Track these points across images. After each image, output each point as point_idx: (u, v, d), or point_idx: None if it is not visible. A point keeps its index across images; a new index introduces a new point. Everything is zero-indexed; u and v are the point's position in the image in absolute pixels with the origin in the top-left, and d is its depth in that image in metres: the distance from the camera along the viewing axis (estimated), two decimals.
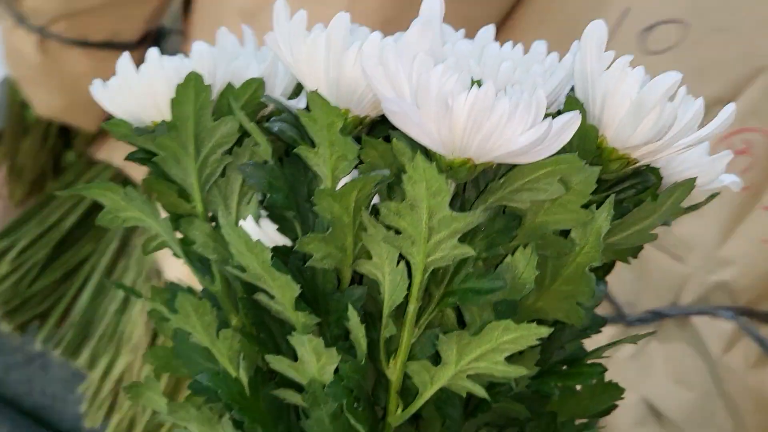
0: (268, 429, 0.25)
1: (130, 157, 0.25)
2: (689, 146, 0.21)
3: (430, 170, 0.19)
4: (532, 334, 0.20)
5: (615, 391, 0.25)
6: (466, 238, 0.21)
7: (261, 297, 0.23)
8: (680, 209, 0.22)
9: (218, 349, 0.24)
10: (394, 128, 0.20)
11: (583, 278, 0.22)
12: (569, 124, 0.19)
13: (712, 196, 0.24)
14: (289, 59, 0.21)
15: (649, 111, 0.20)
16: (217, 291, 0.25)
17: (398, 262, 0.21)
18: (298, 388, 0.23)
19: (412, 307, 0.22)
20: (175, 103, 0.24)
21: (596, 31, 0.20)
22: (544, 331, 0.20)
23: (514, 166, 0.20)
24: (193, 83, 0.23)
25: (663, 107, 0.20)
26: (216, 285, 0.24)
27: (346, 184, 0.21)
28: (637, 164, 0.22)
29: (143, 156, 0.26)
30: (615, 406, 0.25)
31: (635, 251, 0.23)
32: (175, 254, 0.26)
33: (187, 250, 0.24)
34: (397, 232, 0.20)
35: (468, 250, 0.21)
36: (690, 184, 0.22)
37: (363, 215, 0.21)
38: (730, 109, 0.22)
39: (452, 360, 0.22)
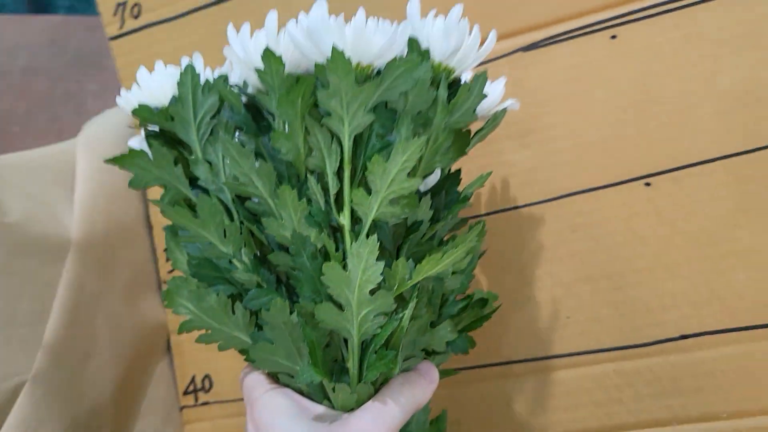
0: (266, 294, 0.40)
1: (149, 135, 0.44)
2: (477, 58, 0.40)
3: (341, 57, 0.35)
4: (417, 148, 0.37)
5: None
6: (370, 112, 0.37)
7: (248, 203, 0.40)
8: (484, 95, 0.40)
9: (228, 239, 0.41)
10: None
11: (441, 132, 0.40)
12: (402, 32, 0.37)
13: (503, 111, 0.44)
14: (242, 55, 0.41)
15: (450, 31, 0.38)
16: (198, 203, 0.41)
17: (332, 140, 0.37)
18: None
19: (347, 167, 0.38)
20: (180, 84, 0.42)
21: (414, 4, 0.39)
22: (422, 143, 0.37)
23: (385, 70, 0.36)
24: (190, 70, 0.42)
25: (457, 26, 0.38)
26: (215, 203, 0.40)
27: (291, 89, 0.38)
28: (454, 73, 0.39)
29: (155, 138, 0.43)
30: None
31: (466, 136, 0.41)
32: (181, 197, 0.43)
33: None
34: (327, 115, 0.35)
35: (371, 117, 0.37)
36: (484, 75, 0.40)
37: (310, 123, 0.38)
38: (493, 35, 0.42)
39: (379, 185, 0.37)
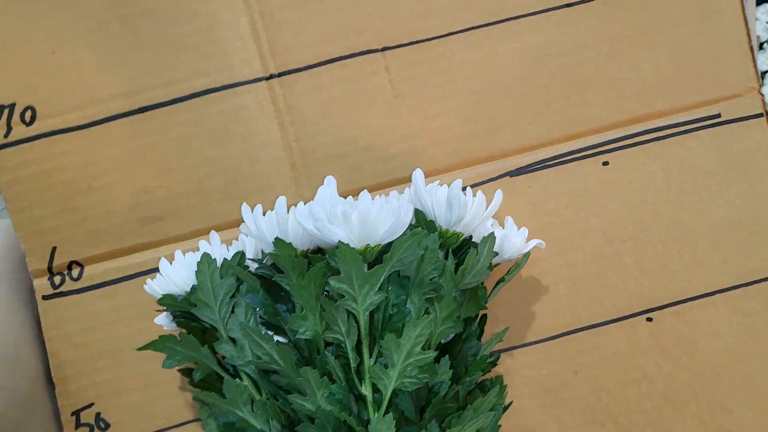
0: None
1: (178, 321, 0.48)
2: (483, 219, 0.46)
3: (348, 249, 0.40)
4: (428, 323, 0.41)
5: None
6: (381, 289, 0.42)
7: (273, 377, 0.44)
8: (495, 253, 0.45)
9: (257, 413, 0.44)
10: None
11: (452, 301, 0.43)
12: (406, 211, 0.42)
13: (526, 256, 0.48)
14: (256, 233, 0.46)
15: (452, 202, 0.43)
16: (225, 384, 0.45)
17: (347, 317, 0.42)
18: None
19: (365, 341, 0.42)
20: (198, 273, 0.46)
21: (419, 176, 0.46)
22: (431, 319, 0.42)
23: (392, 244, 0.42)
24: (206, 259, 0.46)
25: (459, 199, 0.44)
26: (225, 380, 0.45)
27: (306, 275, 0.43)
28: (463, 236, 0.45)
29: (183, 319, 0.48)
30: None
31: (483, 291, 0.46)
32: (208, 372, 0.47)
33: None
34: (341, 297, 0.42)
35: (383, 294, 0.41)
36: (492, 236, 0.45)
37: (325, 302, 0.42)
38: (499, 196, 0.48)
39: (395, 359, 0.41)
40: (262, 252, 0.48)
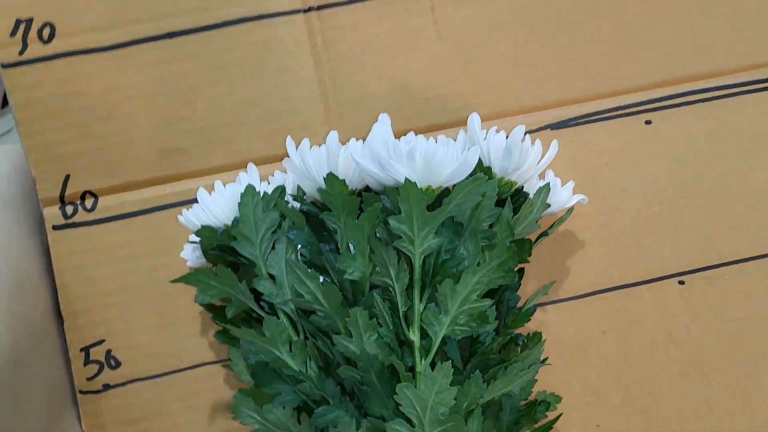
0: (333, 411, 0.43)
1: (211, 255, 0.47)
2: (538, 170, 0.46)
3: (413, 188, 0.40)
4: (488, 271, 0.41)
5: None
6: (438, 234, 0.42)
7: (312, 317, 0.44)
8: (547, 205, 0.46)
9: (294, 353, 0.44)
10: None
11: (506, 251, 0.42)
12: (473, 155, 0.41)
13: (570, 210, 0.49)
14: (302, 169, 0.45)
15: (512, 149, 0.44)
16: (265, 322, 0.44)
17: (398, 261, 0.42)
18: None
19: (417, 286, 0.42)
20: (241, 205, 0.45)
21: (476, 120, 0.46)
22: (503, 258, 0.42)
23: (452, 189, 0.42)
24: (250, 191, 0.45)
25: (519, 147, 0.44)
26: (265, 318, 0.44)
27: (362, 215, 0.42)
28: (516, 185, 0.45)
29: (217, 253, 0.47)
30: None
31: (528, 244, 0.46)
32: (241, 310, 0.46)
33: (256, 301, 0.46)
34: (398, 238, 0.42)
35: (442, 239, 0.41)
36: (547, 187, 0.46)
37: (374, 243, 0.42)
38: (555, 146, 0.47)
39: (450, 305, 0.41)
40: (299, 189, 0.46)
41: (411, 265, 0.43)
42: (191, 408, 0.54)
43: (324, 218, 0.45)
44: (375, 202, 0.44)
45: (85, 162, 0.54)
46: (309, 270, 0.44)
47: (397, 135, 0.50)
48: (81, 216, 0.55)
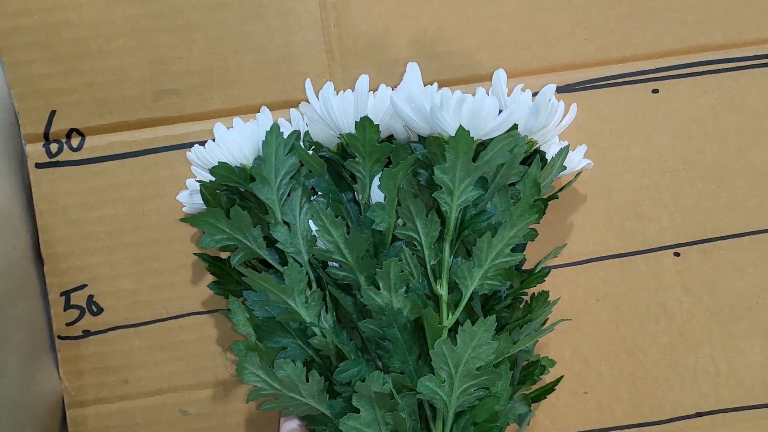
0: (355, 365, 0.42)
1: (211, 200, 0.45)
2: (558, 130, 0.46)
3: (466, 137, 0.39)
4: (525, 222, 0.41)
5: None
6: (475, 187, 0.42)
7: (329, 269, 0.44)
8: (564, 167, 0.46)
9: (310, 305, 0.42)
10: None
11: (532, 207, 0.42)
12: (518, 109, 0.41)
13: (578, 174, 0.50)
14: (324, 115, 0.44)
15: (541, 108, 0.43)
16: (287, 270, 0.43)
17: (427, 214, 0.42)
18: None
19: (448, 238, 0.42)
20: (265, 144, 0.43)
21: (501, 77, 0.46)
22: (534, 217, 0.41)
23: (489, 142, 0.41)
24: (275, 130, 0.43)
25: (548, 106, 0.44)
26: (288, 266, 0.43)
27: (396, 166, 0.41)
28: (536, 145, 0.45)
29: (228, 194, 0.45)
30: None
31: (544, 204, 0.45)
32: (254, 258, 0.45)
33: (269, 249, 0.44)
34: (435, 189, 0.41)
35: (479, 192, 0.41)
36: (567, 148, 0.45)
37: (402, 194, 0.42)
38: (574, 108, 0.48)
39: (484, 259, 0.41)
40: (306, 135, 0.48)
41: (441, 217, 0.43)
42: (175, 358, 0.53)
43: (348, 166, 0.44)
44: (403, 152, 0.43)
45: (72, 98, 0.51)
46: (337, 218, 0.43)
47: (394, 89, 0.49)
48: (66, 155, 0.53)
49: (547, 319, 0.50)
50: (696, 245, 0.54)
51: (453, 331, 0.43)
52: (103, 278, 0.53)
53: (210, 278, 0.53)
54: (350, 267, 0.43)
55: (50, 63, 0.51)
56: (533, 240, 0.45)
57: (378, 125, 0.43)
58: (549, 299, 0.48)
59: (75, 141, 0.53)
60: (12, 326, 0.50)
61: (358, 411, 0.42)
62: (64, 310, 0.55)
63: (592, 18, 0.53)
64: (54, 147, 0.54)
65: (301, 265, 0.45)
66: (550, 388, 0.50)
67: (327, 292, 0.45)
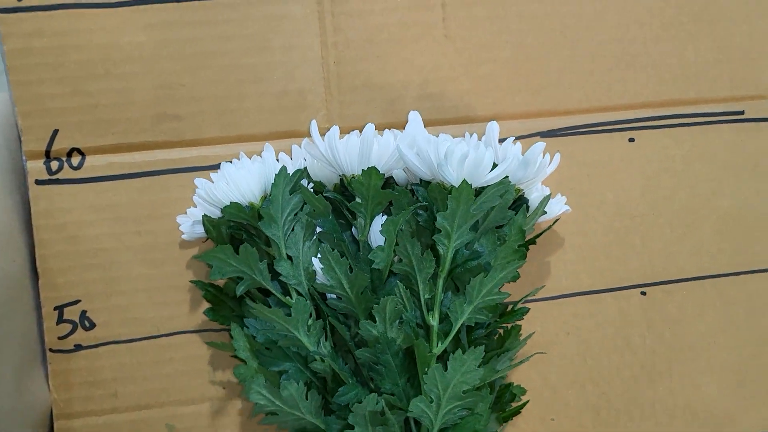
0: (353, 389, 0.46)
1: (214, 233, 0.49)
2: (540, 179, 0.50)
3: (468, 189, 0.44)
4: (515, 266, 0.46)
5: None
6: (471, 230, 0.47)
7: (330, 301, 0.48)
8: (544, 212, 0.50)
9: (311, 333, 0.46)
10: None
11: (516, 252, 0.47)
12: (515, 163, 0.47)
13: (556, 220, 0.54)
14: (329, 156, 0.48)
15: (529, 162, 0.47)
16: (294, 304, 0.47)
17: (423, 252, 0.46)
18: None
19: (442, 275, 0.46)
20: (274, 186, 0.47)
21: (494, 129, 0.50)
22: (520, 263, 0.46)
23: (482, 189, 0.47)
24: (283, 173, 0.47)
25: (537, 161, 0.48)
26: (294, 299, 0.47)
27: (395, 211, 0.46)
28: (521, 192, 0.50)
29: (239, 232, 0.49)
30: None
31: (526, 247, 0.49)
32: (258, 289, 0.49)
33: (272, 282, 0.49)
34: (433, 233, 0.46)
35: (473, 235, 0.46)
36: (548, 198, 0.50)
37: (400, 235, 0.46)
38: (557, 158, 0.52)
39: (475, 296, 0.46)
40: (304, 171, 0.49)
41: (436, 255, 0.47)
42: (164, 375, 0.56)
43: (352, 207, 0.48)
44: (404, 198, 0.48)
45: (75, 118, 0.54)
46: (341, 257, 0.47)
47: (393, 128, 0.53)
48: (66, 173, 0.55)
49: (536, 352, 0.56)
50: (661, 285, 0.60)
51: (440, 358, 0.48)
52: (97, 294, 0.55)
53: (203, 301, 0.55)
54: (350, 300, 0.48)
55: (56, 83, 0.54)
56: (515, 281, 0.49)
57: (383, 174, 0.47)
58: (520, 333, 0.52)
59: (75, 160, 0.56)
60: (7, 337, 0.51)
61: (352, 428, 0.47)
62: (57, 324, 0.57)
63: (577, 69, 0.57)
64: (54, 165, 0.56)
65: (303, 296, 0.49)
66: (517, 411, 0.54)
67: (327, 322, 0.49)
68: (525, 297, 0.55)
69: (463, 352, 0.46)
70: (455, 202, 0.45)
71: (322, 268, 0.48)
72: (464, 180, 0.45)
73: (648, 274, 0.58)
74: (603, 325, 0.58)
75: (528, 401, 0.56)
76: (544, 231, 0.55)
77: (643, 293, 0.58)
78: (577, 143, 0.57)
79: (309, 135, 0.54)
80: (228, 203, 0.49)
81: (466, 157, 0.45)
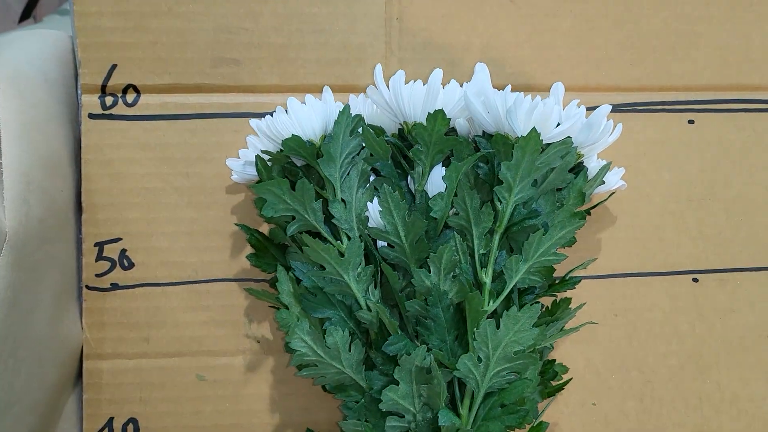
0: (402, 340, 0.46)
1: (266, 172, 0.49)
2: (603, 146, 0.49)
3: (537, 137, 0.43)
4: (574, 226, 0.46)
5: None
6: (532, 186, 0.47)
7: (381, 249, 0.47)
8: (603, 182, 0.50)
9: (361, 279, 0.46)
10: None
11: (575, 215, 0.46)
12: (580, 121, 0.47)
13: (611, 194, 0.54)
14: (392, 102, 0.48)
15: (593, 125, 0.47)
16: (348, 245, 0.47)
17: (481, 206, 0.46)
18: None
19: (499, 231, 0.45)
20: (337, 123, 0.46)
21: (560, 90, 0.50)
22: (580, 223, 0.46)
23: (545, 147, 0.46)
24: (347, 111, 0.47)
25: (601, 125, 0.47)
26: (344, 244, 0.47)
27: (456, 160, 0.46)
28: (581, 158, 0.49)
29: (295, 171, 0.49)
30: None
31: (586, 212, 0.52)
32: (306, 229, 0.48)
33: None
34: (491, 189, 0.46)
35: (534, 192, 0.45)
36: (607, 166, 0.49)
37: (459, 186, 0.45)
38: (620, 128, 0.51)
39: (531, 254, 0.45)
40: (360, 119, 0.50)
41: (495, 211, 0.48)
42: (199, 323, 0.56)
43: (413, 153, 0.48)
44: (465, 148, 0.48)
45: (134, 55, 0.55)
46: (402, 202, 0.47)
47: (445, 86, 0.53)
48: (120, 109, 0.56)
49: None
50: (714, 273, 0.60)
51: (490, 318, 0.48)
52: (138, 234, 0.56)
53: (245, 248, 0.55)
54: (403, 249, 0.48)
55: (119, 17, 0.56)
56: (570, 246, 0.49)
57: (449, 119, 0.48)
58: (569, 305, 0.52)
59: (130, 97, 0.57)
60: (50, 264, 0.52)
61: (397, 383, 0.46)
62: (96, 261, 0.57)
63: (639, 45, 0.58)
64: (109, 100, 0.56)
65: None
66: (561, 387, 0.53)
67: (378, 269, 0.50)
68: (577, 267, 0.54)
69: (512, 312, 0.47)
70: (521, 152, 0.45)
71: (380, 211, 0.48)
72: (533, 128, 0.45)
73: (701, 261, 0.58)
74: (652, 309, 0.58)
75: (572, 378, 0.56)
76: (600, 203, 0.55)
77: (695, 280, 0.58)
78: (636, 120, 0.58)
79: (365, 90, 0.54)
80: (289, 137, 0.49)
81: (534, 109, 0.46)
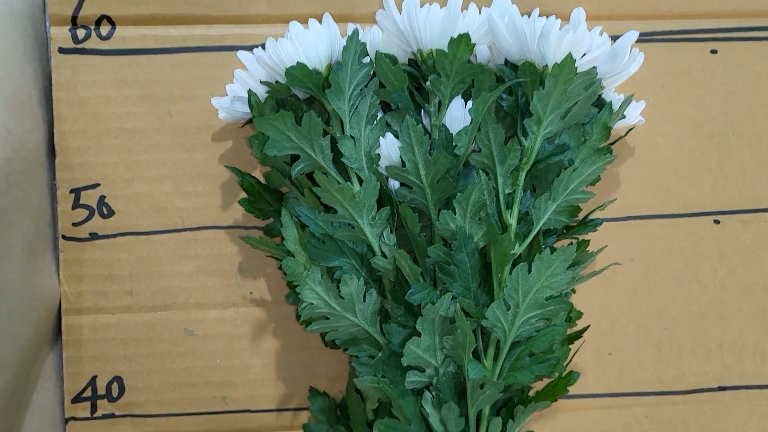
0: (425, 288, 0.43)
1: (259, 108, 0.44)
2: (625, 77, 0.46)
3: (570, 66, 0.40)
4: (603, 162, 0.43)
5: None
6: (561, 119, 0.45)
7: (397, 190, 0.44)
8: (623, 117, 0.47)
9: (376, 223, 0.43)
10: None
11: (600, 150, 0.44)
12: (610, 46, 0.44)
13: (630, 129, 0.50)
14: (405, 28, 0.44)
15: (618, 54, 0.44)
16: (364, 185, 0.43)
17: (506, 141, 0.43)
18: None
19: (525, 168, 0.43)
20: (345, 50, 0.43)
21: (581, 15, 0.45)
22: (609, 158, 0.44)
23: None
24: (355, 36, 0.43)
25: (625, 53, 0.45)
26: (365, 180, 0.43)
27: (477, 90, 0.43)
28: (603, 89, 0.46)
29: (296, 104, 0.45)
30: None
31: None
32: (312, 170, 0.44)
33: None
34: (515, 123, 0.44)
35: (563, 125, 0.42)
36: (630, 98, 0.47)
37: (487, 118, 0.42)
38: (641, 57, 0.47)
39: (560, 192, 0.43)
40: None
41: (521, 146, 0.45)
42: (186, 273, 0.53)
43: (433, 82, 0.44)
44: (488, 78, 0.44)
45: None
46: (425, 135, 0.44)
47: None
48: (93, 43, 0.52)
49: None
50: (737, 214, 0.57)
51: (515, 262, 0.45)
52: (118, 179, 0.53)
53: (235, 193, 0.52)
54: (422, 189, 0.44)
55: None
56: (594, 184, 0.47)
57: (474, 45, 0.44)
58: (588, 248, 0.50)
59: (104, 29, 0.53)
60: (20, 209, 0.49)
61: (417, 335, 0.43)
62: (72, 209, 0.53)
63: None
64: (81, 33, 0.52)
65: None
66: (579, 334, 0.50)
67: (394, 211, 0.46)
68: (596, 208, 0.51)
69: (541, 254, 0.43)
70: (553, 81, 0.42)
71: (400, 147, 0.44)
72: (569, 54, 0.41)
73: (723, 201, 0.56)
74: (670, 253, 0.55)
75: (589, 325, 0.52)
76: (618, 139, 0.51)
77: (717, 221, 0.55)
78: (654, 51, 0.54)
79: (361, 20, 0.50)
80: (293, 65, 0.45)
81: (566, 34, 0.42)
